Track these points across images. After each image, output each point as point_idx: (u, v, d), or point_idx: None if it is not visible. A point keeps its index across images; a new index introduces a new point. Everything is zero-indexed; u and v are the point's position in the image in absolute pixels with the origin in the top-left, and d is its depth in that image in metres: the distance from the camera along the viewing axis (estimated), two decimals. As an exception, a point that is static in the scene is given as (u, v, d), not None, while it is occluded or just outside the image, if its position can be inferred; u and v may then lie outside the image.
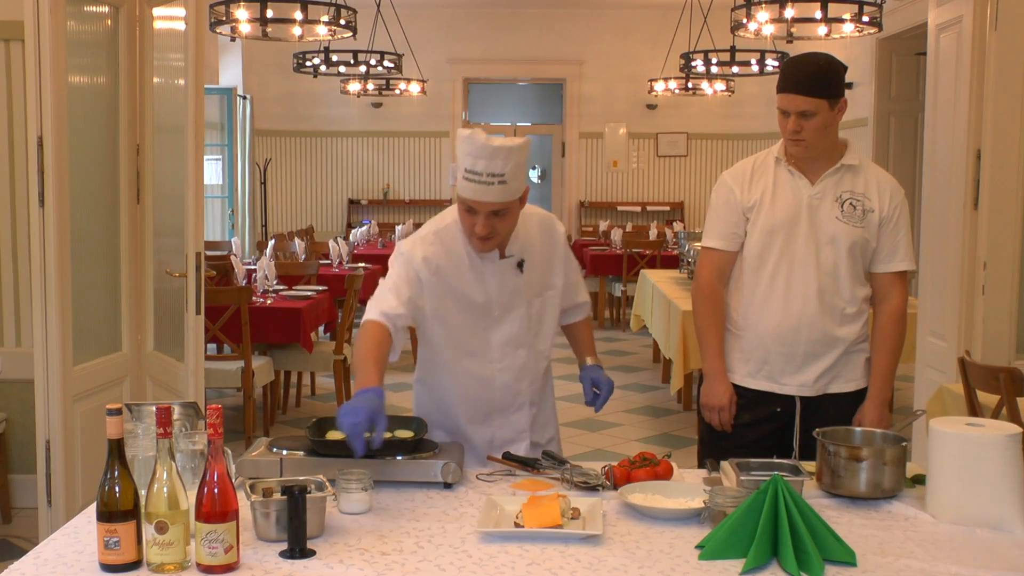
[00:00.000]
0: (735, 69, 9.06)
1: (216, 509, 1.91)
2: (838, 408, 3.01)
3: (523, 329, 2.78)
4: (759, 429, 3.04)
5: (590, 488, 2.44)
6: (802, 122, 2.89)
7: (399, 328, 2.61)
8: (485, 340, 2.77)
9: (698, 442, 3.26)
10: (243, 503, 2.09)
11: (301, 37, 7.01)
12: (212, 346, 6.37)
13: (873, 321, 3.07)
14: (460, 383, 2.81)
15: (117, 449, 1.97)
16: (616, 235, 10.40)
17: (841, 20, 6.17)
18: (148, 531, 1.94)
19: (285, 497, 2.05)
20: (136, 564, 1.95)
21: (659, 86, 10.94)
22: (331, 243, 8.71)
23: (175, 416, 2.22)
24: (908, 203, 3.08)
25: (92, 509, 2.11)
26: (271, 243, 8.57)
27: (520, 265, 2.73)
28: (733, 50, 8.61)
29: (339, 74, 10.12)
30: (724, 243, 3.06)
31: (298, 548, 2.03)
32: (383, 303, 2.61)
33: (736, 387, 3.06)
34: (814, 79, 2.87)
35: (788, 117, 2.91)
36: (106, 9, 4.54)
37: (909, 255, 3.04)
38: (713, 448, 3.08)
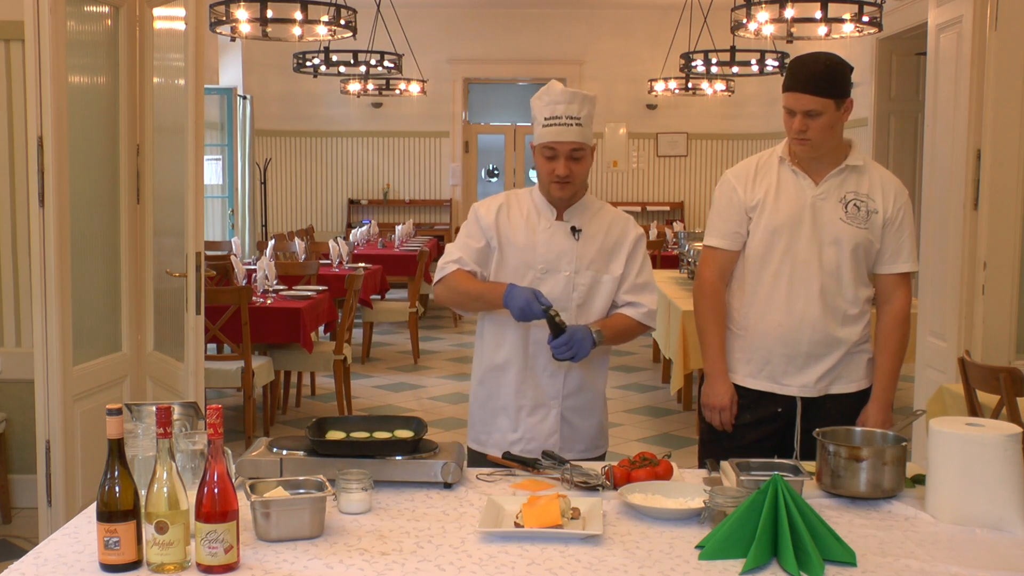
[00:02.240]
0: (735, 69, 9.06)
1: (216, 509, 1.91)
2: (839, 409, 3.00)
3: (566, 292, 2.89)
4: (760, 429, 3.04)
5: (590, 488, 2.44)
6: (808, 121, 2.88)
7: (475, 274, 2.94)
8: None
9: (699, 442, 3.24)
10: (243, 503, 2.10)
11: (301, 37, 7.01)
12: (212, 346, 6.37)
13: (877, 322, 3.07)
14: (505, 334, 2.94)
15: (117, 449, 1.97)
16: (616, 235, 10.38)
17: (841, 20, 6.17)
18: (148, 531, 1.93)
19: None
20: (136, 564, 1.95)
21: (659, 86, 10.94)
22: (331, 243, 8.71)
23: (175, 416, 2.21)
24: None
25: (92, 509, 2.11)
26: (271, 243, 8.57)
27: (575, 231, 2.91)
28: (733, 50, 8.61)
29: (339, 74, 10.12)
30: (726, 242, 3.05)
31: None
32: (456, 260, 2.93)
33: (737, 387, 3.05)
34: (821, 79, 2.86)
35: (794, 116, 2.90)
36: (106, 9, 4.54)
37: (913, 256, 3.03)
38: (714, 448, 3.07)
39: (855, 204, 2.96)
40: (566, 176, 2.86)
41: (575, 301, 2.91)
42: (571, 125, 2.83)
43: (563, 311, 2.85)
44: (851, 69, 2.96)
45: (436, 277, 2.97)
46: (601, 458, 3.01)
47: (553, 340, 2.75)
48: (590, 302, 2.92)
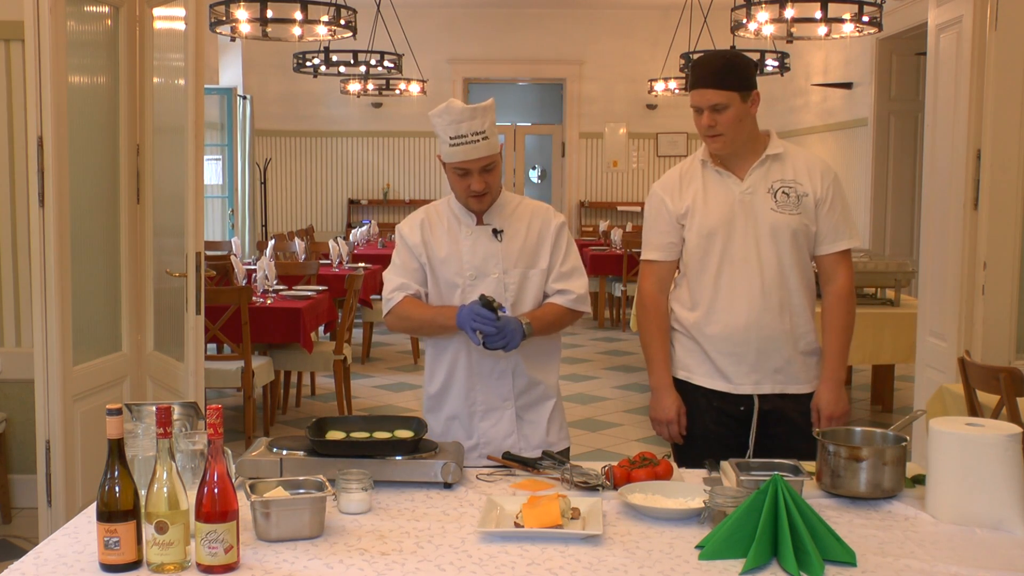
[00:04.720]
0: (735, 69, 9.04)
1: (216, 509, 1.92)
2: (797, 408, 3.00)
3: (498, 295, 2.88)
4: (728, 426, 3.02)
5: (590, 488, 2.44)
6: (716, 116, 2.89)
7: (420, 295, 2.97)
8: (463, 302, 2.89)
9: (672, 449, 3.16)
10: (243, 503, 2.10)
11: (301, 37, 7.01)
12: (212, 346, 6.37)
13: (821, 303, 3.07)
14: (448, 345, 2.97)
15: (117, 449, 1.97)
16: (616, 235, 10.40)
17: (841, 20, 6.18)
18: (148, 531, 1.94)
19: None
20: (136, 564, 1.95)
21: (659, 86, 10.93)
22: (331, 243, 8.71)
23: (175, 416, 2.22)
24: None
25: (92, 509, 2.11)
26: (271, 243, 8.57)
27: (496, 233, 2.93)
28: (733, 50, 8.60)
29: (339, 74, 10.12)
30: (662, 254, 3.06)
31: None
32: (399, 287, 2.95)
33: (698, 387, 3.03)
34: (723, 72, 2.89)
35: (702, 114, 2.92)
36: (106, 9, 4.54)
37: (852, 232, 3.03)
38: (686, 450, 3.05)
39: (783, 191, 2.95)
40: (483, 190, 2.88)
41: (508, 300, 2.93)
42: (477, 141, 2.82)
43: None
44: (755, 64, 2.97)
45: (384, 308, 2.98)
46: (564, 453, 3.00)
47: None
48: (522, 298, 2.95)
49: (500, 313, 2.75)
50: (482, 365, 2.95)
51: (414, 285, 2.95)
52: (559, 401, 3.08)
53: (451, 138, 2.82)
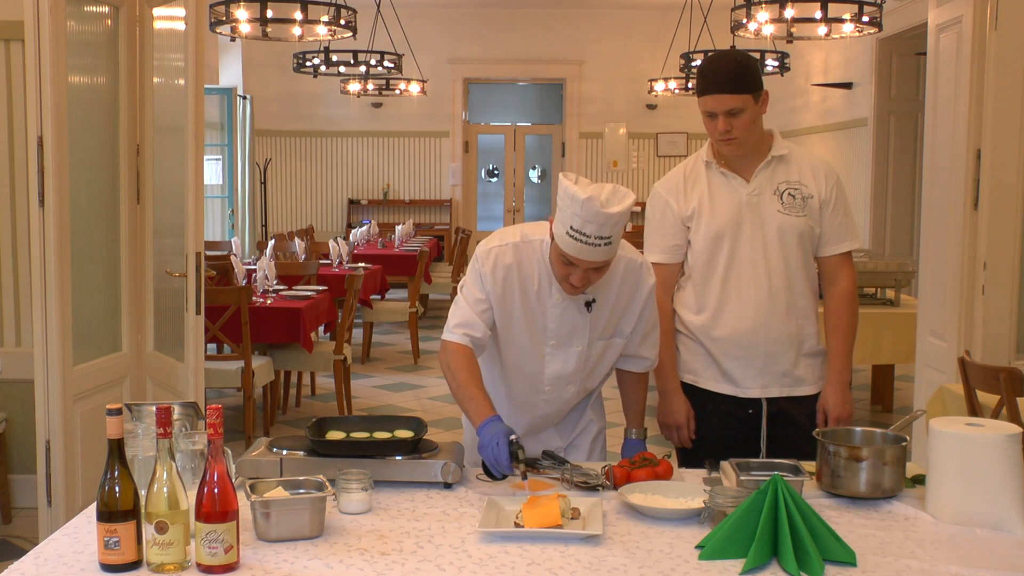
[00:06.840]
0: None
1: (216, 509, 1.91)
2: (803, 408, 3.00)
3: (578, 368, 2.75)
4: (736, 430, 3.02)
5: (590, 488, 2.44)
6: (732, 121, 2.84)
7: (481, 348, 2.67)
8: (538, 369, 2.75)
9: (677, 451, 3.15)
10: (243, 503, 2.10)
11: (301, 37, 7.01)
12: (212, 346, 6.37)
13: (824, 304, 3.06)
14: (506, 396, 2.78)
15: (117, 449, 1.96)
16: (616, 235, 10.38)
17: (841, 20, 6.18)
18: (148, 531, 1.94)
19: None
20: (136, 564, 1.95)
21: (659, 86, 10.94)
22: (331, 243, 8.71)
23: (175, 416, 2.21)
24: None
25: (92, 509, 2.11)
26: (271, 243, 8.56)
27: (588, 304, 2.68)
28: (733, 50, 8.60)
29: (339, 74, 10.12)
30: (667, 256, 3.02)
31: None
32: (466, 324, 2.64)
33: (704, 391, 3.03)
34: (737, 76, 2.83)
35: (716, 119, 2.86)
36: (106, 9, 4.54)
37: (854, 234, 3.03)
38: (694, 453, 3.04)
39: (789, 193, 2.94)
40: (583, 287, 2.59)
41: (584, 371, 2.77)
42: (599, 246, 2.47)
43: (570, 384, 2.76)
44: (759, 63, 2.95)
45: (444, 335, 2.68)
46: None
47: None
48: (599, 367, 2.80)
49: (522, 466, 2.38)
50: (540, 425, 2.81)
51: (480, 326, 2.64)
52: (603, 426, 2.99)
53: (572, 228, 2.46)
